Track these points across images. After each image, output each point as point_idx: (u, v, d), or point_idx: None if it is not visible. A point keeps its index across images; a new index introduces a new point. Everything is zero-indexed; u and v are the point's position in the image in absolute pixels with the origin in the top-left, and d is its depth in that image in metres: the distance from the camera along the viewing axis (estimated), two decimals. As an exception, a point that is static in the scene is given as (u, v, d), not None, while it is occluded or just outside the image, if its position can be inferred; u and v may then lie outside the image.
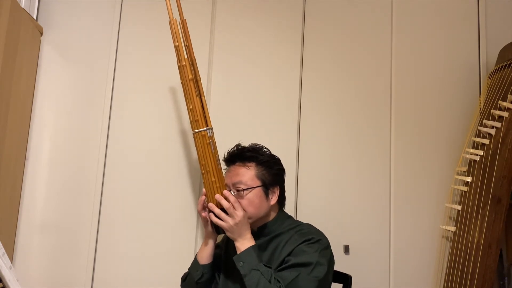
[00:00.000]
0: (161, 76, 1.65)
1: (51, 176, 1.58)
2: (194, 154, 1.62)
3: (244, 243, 1.16)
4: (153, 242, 1.57)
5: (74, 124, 1.61)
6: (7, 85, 1.43)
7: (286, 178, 1.35)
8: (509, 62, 1.48)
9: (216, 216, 1.18)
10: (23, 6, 1.54)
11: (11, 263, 1.24)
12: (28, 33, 1.54)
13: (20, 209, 1.54)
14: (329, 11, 1.73)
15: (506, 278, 1.51)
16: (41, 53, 1.63)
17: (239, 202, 1.19)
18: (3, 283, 0.91)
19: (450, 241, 1.49)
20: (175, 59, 1.30)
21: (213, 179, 1.21)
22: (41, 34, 1.64)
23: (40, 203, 1.56)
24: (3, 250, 0.94)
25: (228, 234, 1.18)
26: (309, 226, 1.26)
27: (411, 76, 1.67)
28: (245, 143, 1.34)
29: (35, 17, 1.63)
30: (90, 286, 1.53)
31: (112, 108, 1.62)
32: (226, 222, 1.16)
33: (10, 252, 1.50)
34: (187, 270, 1.33)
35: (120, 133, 1.62)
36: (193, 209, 1.60)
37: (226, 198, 1.18)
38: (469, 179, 1.46)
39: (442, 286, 1.48)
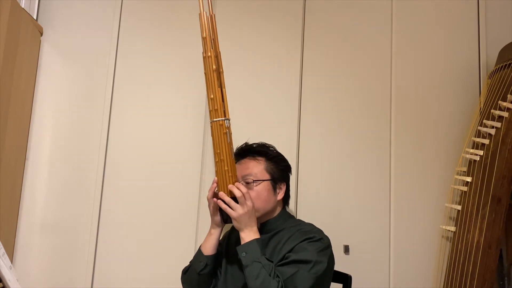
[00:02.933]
0: (161, 76, 1.65)
1: (51, 176, 1.58)
2: (194, 154, 1.62)
3: (250, 234, 1.17)
4: (153, 242, 1.57)
5: (74, 124, 1.61)
6: (7, 85, 1.43)
7: (286, 178, 1.35)
8: (509, 62, 1.48)
9: (226, 204, 1.19)
10: (23, 6, 1.54)
11: (11, 263, 1.24)
12: (28, 33, 1.54)
13: (20, 209, 1.55)
14: (329, 11, 1.73)
15: (506, 278, 1.51)
16: (41, 53, 1.63)
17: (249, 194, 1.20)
18: (3, 283, 0.91)
19: (450, 241, 1.49)
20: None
21: (226, 168, 1.22)
22: (41, 34, 1.64)
23: (40, 203, 1.56)
24: (3, 250, 0.94)
25: (235, 223, 1.18)
26: (311, 225, 1.27)
27: (411, 76, 1.67)
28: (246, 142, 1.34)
29: (35, 17, 1.63)
30: (90, 286, 1.53)
31: (112, 108, 1.62)
32: (236, 211, 1.16)
33: (10, 252, 1.50)
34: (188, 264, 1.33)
35: (120, 133, 1.62)
36: (193, 209, 1.59)
37: (238, 189, 1.19)
38: (469, 179, 1.46)
39: (442, 286, 1.48)
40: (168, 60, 1.64)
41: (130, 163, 1.60)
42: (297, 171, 1.64)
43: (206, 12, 1.30)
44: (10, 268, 0.93)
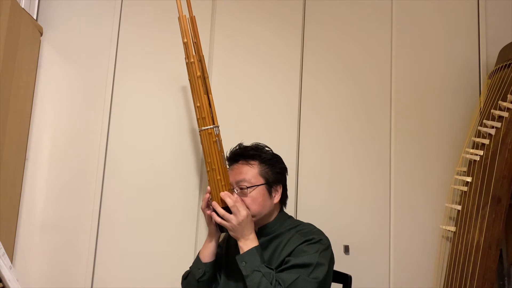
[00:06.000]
0: (161, 76, 1.65)
1: (51, 176, 1.57)
2: (194, 154, 1.62)
3: (247, 243, 1.16)
4: (153, 242, 1.57)
5: (74, 124, 1.61)
6: (7, 85, 1.43)
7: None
8: (509, 62, 1.48)
9: (219, 216, 1.18)
10: (23, 6, 1.54)
11: (11, 263, 1.24)
12: (28, 33, 1.54)
13: (20, 209, 1.54)
14: (329, 11, 1.73)
15: (506, 278, 1.51)
16: (41, 53, 1.63)
17: (243, 201, 1.19)
18: (3, 283, 0.91)
19: (450, 241, 1.49)
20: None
21: (218, 177, 1.21)
22: (41, 34, 1.64)
23: (40, 203, 1.56)
24: (3, 250, 0.94)
25: (231, 233, 1.18)
26: (310, 225, 1.26)
27: (411, 76, 1.67)
28: (245, 143, 1.34)
29: (35, 17, 1.63)
30: (90, 286, 1.53)
31: (112, 107, 1.62)
32: (230, 221, 1.16)
33: (10, 252, 1.50)
34: (188, 269, 1.34)
35: (120, 133, 1.62)
36: (193, 209, 1.59)
37: (229, 198, 1.18)
38: (469, 179, 1.46)
39: (442, 286, 1.48)
40: (169, 59, 1.64)
41: (130, 163, 1.60)
42: (297, 171, 1.64)
43: (185, 15, 1.28)
44: (10, 268, 0.94)
